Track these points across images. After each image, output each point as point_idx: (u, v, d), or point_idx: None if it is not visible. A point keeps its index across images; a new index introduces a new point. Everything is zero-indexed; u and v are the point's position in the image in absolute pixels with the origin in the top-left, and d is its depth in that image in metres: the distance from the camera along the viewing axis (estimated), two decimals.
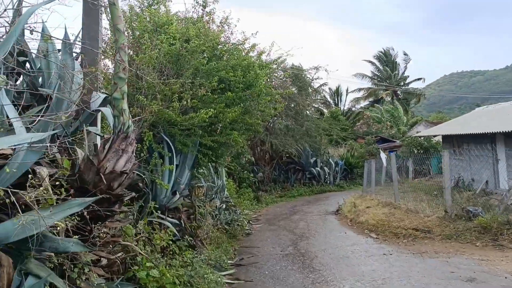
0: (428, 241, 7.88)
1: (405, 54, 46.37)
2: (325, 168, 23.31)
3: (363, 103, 46.25)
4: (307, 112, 23.23)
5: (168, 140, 6.62)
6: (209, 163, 9.15)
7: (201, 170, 11.77)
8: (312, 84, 23.45)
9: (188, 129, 6.77)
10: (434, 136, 21.34)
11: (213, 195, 11.98)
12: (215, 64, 7.04)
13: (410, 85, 45.94)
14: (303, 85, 21.71)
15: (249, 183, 18.25)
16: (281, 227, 12.01)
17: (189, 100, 6.41)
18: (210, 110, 6.24)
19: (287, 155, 22.63)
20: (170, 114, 6.11)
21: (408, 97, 45.42)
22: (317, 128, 23.08)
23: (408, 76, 45.86)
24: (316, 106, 30.39)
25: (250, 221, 13.43)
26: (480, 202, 12.64)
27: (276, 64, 15.03)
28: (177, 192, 7.00)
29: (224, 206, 11.74)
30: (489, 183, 13.78)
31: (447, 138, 17.29)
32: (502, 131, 12.39)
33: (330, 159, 23.98)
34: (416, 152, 25.25)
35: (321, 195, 20.99)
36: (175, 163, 6.74)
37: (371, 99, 46.55)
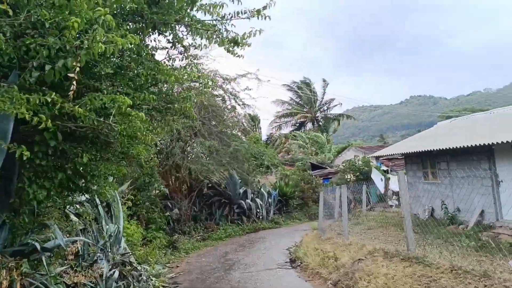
0: None
1: (324, 80, 45.24)
2: (257, 200, 18.86)
3: (284, 130, 43.89)
4: (234, 131, 18.74)
5: None
6: (72, 194, 4.09)
7: (76, 208, 6.53)
8: (238, 96, 19.04)
9: None
10: (401, 154, 18.31)
11: (97, 255, 6.69)
12: None
13: (330, 111, 44.92)
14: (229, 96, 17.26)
15: (161, 224, 12.96)
16: None
17: None
18: None
19: (210, 184, 17.81)
20: None
21: (327, 125, 43.93)
22: (246, 151, 18.72)
23: (334, 99, 44.72)
24: (235, 132, 25.92)
25: None
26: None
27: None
28: None
29: (116, 274, 6.48)
30: (486, 213, 10.50)
31: (410, 159, 14.03)
32: (508, 141, 9.20)
33: (262, 189, 19.63)
34: (355, 178, 22.32)
35: (255, 235, 16.40)
36: None
37: (291, 127, 44.49)
